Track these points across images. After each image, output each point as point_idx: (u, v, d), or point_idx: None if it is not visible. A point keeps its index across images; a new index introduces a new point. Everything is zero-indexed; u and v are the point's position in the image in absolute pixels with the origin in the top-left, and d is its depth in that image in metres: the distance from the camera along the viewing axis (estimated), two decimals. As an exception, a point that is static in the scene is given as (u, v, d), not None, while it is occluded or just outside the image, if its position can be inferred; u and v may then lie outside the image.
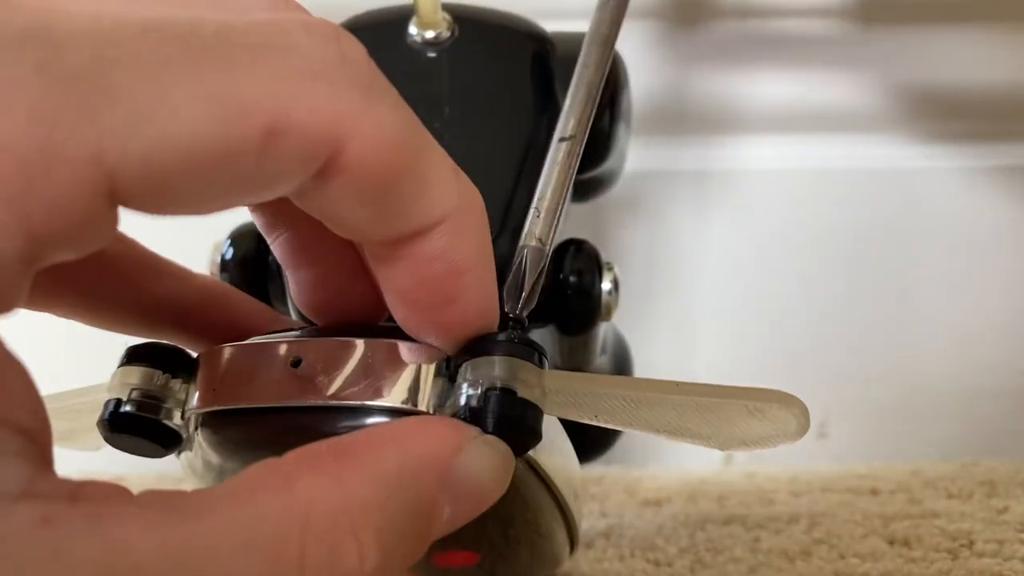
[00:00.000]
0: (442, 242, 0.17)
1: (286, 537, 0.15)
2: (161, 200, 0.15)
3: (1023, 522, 0.32)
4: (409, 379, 0.18)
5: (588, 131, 0.25)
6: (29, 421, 0.14)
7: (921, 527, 0.31)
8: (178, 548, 0.14)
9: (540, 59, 0.28)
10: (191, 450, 0.20)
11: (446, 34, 0.28)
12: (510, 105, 0.27)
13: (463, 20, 0.28)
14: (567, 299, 0.26)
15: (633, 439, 0.35)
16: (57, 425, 0.15)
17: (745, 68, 0.41)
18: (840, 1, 0.41)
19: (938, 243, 0.42)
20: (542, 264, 0.22)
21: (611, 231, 0.41)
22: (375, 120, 0.16)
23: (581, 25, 0.27)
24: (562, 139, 0.24)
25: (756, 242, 0.42)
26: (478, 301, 0.18)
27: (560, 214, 0.23)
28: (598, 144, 0.29)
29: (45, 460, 0.15)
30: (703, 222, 0.42)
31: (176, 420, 0.20)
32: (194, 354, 0.20)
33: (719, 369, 0.42)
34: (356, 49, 0.16)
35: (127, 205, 0.14)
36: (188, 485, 0.19)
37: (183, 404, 0.20)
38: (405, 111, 0.17)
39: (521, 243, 0.22)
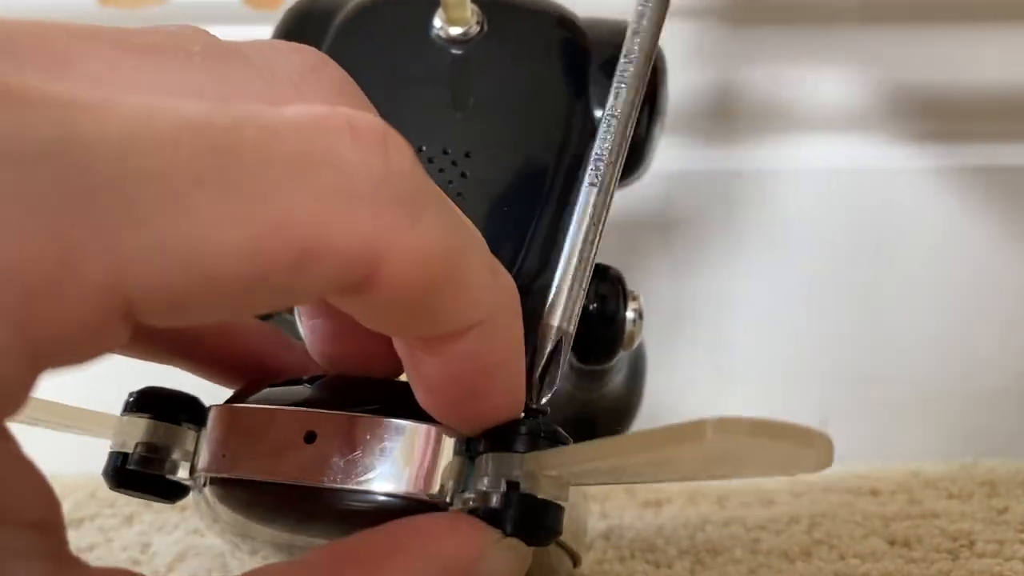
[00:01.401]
0: (475, 344, 0.17)
1: None
2: (180, 319, 0.14)
3: (1023, 522, 0.32)
4: (427, 464, 0.18)
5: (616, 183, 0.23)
6: (40, 513, 0.14)
7: (921, 527, 0.31)
8: None
9: (573, 50, 0.27)
10: (199, 494, 0.20)
11: (475, 29, 0.26)
12: (540, 107, 0.26)
13: (492, 11, 0.26)
14: (589, 327, 0.25)
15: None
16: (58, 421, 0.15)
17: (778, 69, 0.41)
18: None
19: (939, 243, 0.42)
20: (566, 350, 0.21)
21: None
22: (414, 238, 0.15)
23: (615, 9, 0.26)
24: (592, 184, 0.23)
25: (753, 242, 0.42)
26: (505, 396, 0.18)
27: (584, 285, 0.22)
28: (635, 151, 0.27)
29: (60, 551, 0.15)
30: (699, 222, 0.41)
31: (183, 472, 0.20)
32: (203, 397, 0.20)
33: (719, 369, 0.42)
34: (402, 157, 0.15)
35: (143, 321, 0.14)
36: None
37: (191, 456, 0.19)
38: (447, 217, 0.16)
39: (544, 321, 0.21)
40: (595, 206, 0.22)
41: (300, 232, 0.14)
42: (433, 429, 0.18)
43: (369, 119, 0.15)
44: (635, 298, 0.26)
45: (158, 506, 0.35)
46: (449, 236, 0.16)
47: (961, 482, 0.35)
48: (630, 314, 0.26)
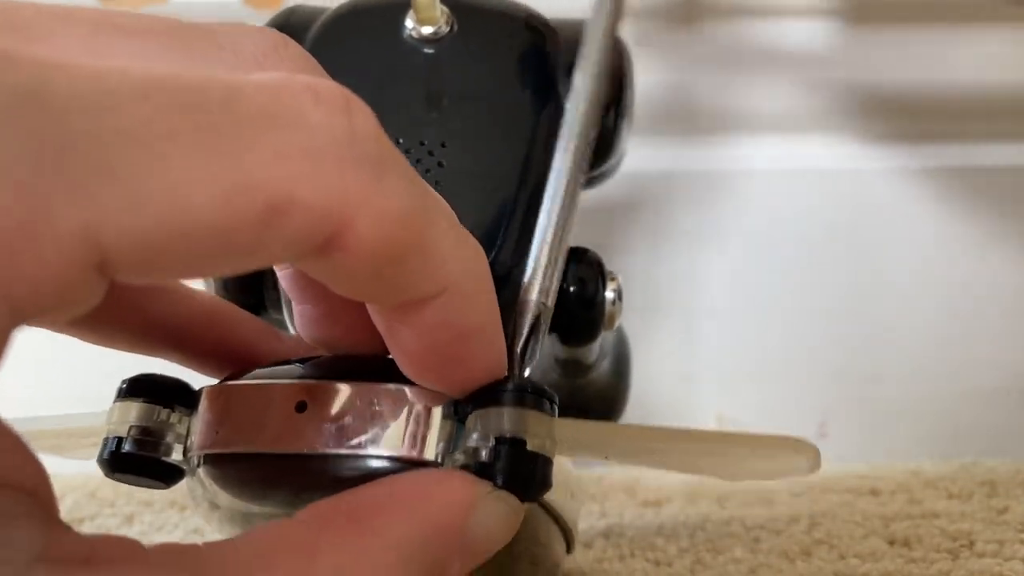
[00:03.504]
0: (447, 310, 0.17)
1: None
2: (153, 273, 0.14)
3: (1023, 522, 0.32)
4: (417, 426, 0.18)
5: (586, 175, 0.24)
6: (30, 480, 0.14)
7: (921, 527, 0.31)
8: None
9: (541, 48, 0.28)
10: (193, 477, 0.20)
11: (444, 29, 0.27)
12: (511, 99, 0.26)
13: (462, 12, 0.27)
14: (569, 309, 0.25)
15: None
16: (44, 443, 0.15)
17: (742, 70, 0.41)
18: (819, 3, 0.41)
19: (939, 243, 0.42)
20: (544, 324, 0.21)
21: (605, 230, 0.41)
22: (380, 199, 0.15)
23: (583, 10, 0.27)
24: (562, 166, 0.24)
25: (753, 242, 0.42)
26: (485, 360, 0.18)
27: (559, 263, 0.22)
28: (602, 144, 0.28)
29: (54, 517, 0.15)
30: (699, 222, 0.41)
31: (177, 455, 0.20)
32: (195, 386, 0.20)
33: (719, 369, 0.42)
34: (366, 120, 0.16)
35: (116, 276, 0.14)
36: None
37: (184, 439, 0.20)
38: (412, 182, 0.16)
39: (521, 298, 0.21)
40: (568, 183, 0.24)
41: (267, 187, 0.14)
42: (422, 392, 0.18)
43: (331, 84, 0.16)
44: (614, 279, 0.26)
45: (158, 506, 0.35)
46: (415, 199, 0.16)
47: (961, 482, 0.35)
48: (609, 294, 0.26)
